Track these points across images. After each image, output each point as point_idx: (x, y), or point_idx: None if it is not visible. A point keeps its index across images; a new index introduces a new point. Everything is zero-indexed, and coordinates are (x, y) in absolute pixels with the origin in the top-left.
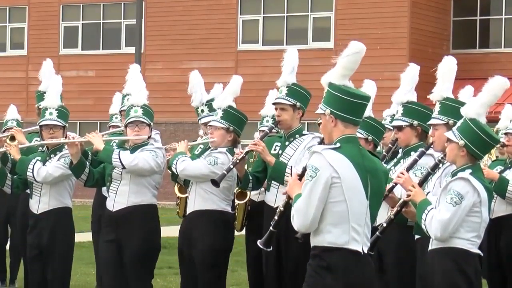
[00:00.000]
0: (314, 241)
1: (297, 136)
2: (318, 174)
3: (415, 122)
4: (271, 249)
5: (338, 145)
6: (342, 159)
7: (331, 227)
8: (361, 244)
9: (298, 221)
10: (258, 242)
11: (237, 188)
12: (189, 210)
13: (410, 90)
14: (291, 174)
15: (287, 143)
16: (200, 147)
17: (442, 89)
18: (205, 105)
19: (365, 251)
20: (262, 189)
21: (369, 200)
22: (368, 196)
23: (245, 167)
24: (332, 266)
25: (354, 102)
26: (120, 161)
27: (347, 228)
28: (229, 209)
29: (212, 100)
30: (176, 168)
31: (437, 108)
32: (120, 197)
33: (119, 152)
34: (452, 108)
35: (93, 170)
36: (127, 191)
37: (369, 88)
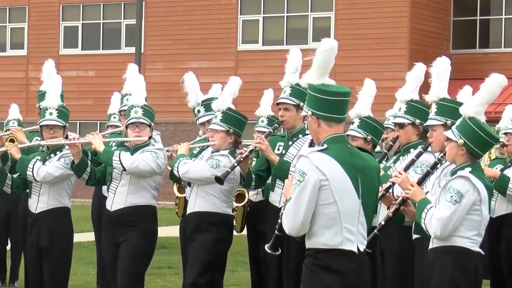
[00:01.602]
0: (308, 243)
1: (300, 135)
2: (306, 178)
3: (417, 121)
4: (279, 252)
5: (325, 146)
6: (329, 160)
7: (323, 229)
8: (355, 243)
9: (288, 225)
10: (266, 247)
11: (237, 189)
12: (188, 211)
13: (415, 89)
14: None
15: (290, 142)
16: (198, 148)
17: (438, 90)
18: (201, 105)
19: (361, 249)
20: (260, 189)
21: (361, 199)
22: (359, 195)
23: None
24: (328, 265)
25: (332, 100)
26: (121, 163)
27: (340, 229)
28: (229, 211)
29: (208, 100)
30: (178, 171)
31: (433, 109)
32: (119, 197)
33: (119, 154)
34: (448, 108)
35: (94, 169)
36: (125, 191)
37: (369, 87)
